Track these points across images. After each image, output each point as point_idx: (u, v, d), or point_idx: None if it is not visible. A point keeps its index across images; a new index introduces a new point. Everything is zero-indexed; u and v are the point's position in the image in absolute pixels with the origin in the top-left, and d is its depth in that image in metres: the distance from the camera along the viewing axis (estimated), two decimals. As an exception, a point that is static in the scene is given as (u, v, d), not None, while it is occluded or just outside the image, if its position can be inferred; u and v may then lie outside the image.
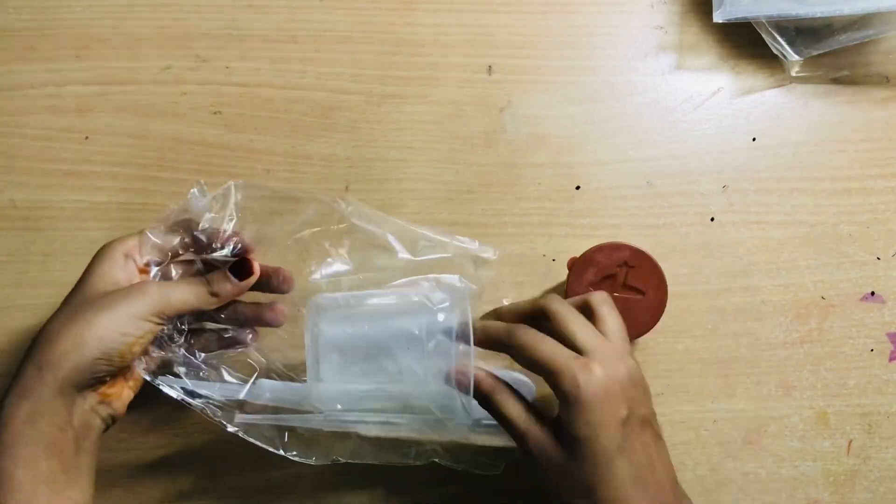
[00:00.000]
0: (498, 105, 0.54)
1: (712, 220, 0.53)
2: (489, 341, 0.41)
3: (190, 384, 0.43)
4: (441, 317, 0.41)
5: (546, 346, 0.39)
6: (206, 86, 0.54)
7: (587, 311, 0.42)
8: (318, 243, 0.46)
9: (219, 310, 0.44)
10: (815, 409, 0.52)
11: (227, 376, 0.44)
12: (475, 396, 0.41)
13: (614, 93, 0.54)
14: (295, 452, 0.44)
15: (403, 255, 0.46)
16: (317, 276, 0.45)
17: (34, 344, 0.39)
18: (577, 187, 0.53)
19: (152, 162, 0.53)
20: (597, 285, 0.47)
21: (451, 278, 0.45)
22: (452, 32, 0.55)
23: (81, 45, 0.54)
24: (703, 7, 0.55)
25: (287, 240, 0.45)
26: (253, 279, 0.43)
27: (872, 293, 0.53)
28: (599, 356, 0.38)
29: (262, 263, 0.44)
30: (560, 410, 0.38)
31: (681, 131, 0.54)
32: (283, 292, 0.45)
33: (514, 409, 0.40)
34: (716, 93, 0.55)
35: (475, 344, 0.41)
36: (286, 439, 0.44)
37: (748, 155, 0.54)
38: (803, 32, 0.52)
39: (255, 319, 0.45)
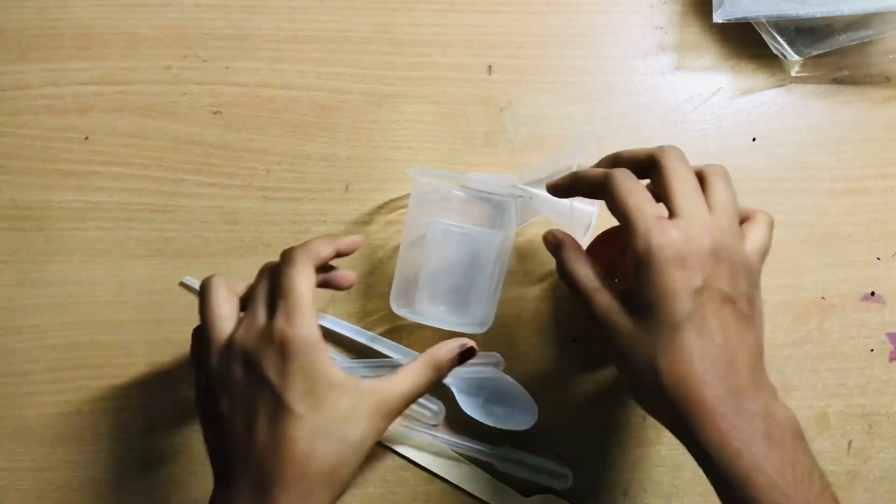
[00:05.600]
0: (498, 105, 0.54)
1: (712, 220, 0.53)
2: (586, 187, 0.40)
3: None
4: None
5: (634, 200, 0.37)
6: (206, 86, 0.54)
7: (701, 181, 0.39)
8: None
9: None
10: (815, 409, 0.52)
11: None
12: (547, 247, 0.41)
13: (614, 93, 0.54)
14: None
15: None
16: None
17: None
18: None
19: (152, 162, 0.53)
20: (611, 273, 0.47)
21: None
22: (452, 32, 0.55)
23: (81, 45, 0.54)
24: (703, 7, 0.55)
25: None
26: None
27: (872, 293, 0.53)
28: (687, 221, 0.36)
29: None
30: (631, 272, 0.36)
31: (681, 131, 0.54)
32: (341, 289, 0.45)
33: (583, 269, 0.39)
34: (716, 93, 0.55)
35: (566, 194, 0.42)
36: None
37: (748, 155, 0.54)
38: (803, 32, 0.52)
39: (323, 284, 0.44)
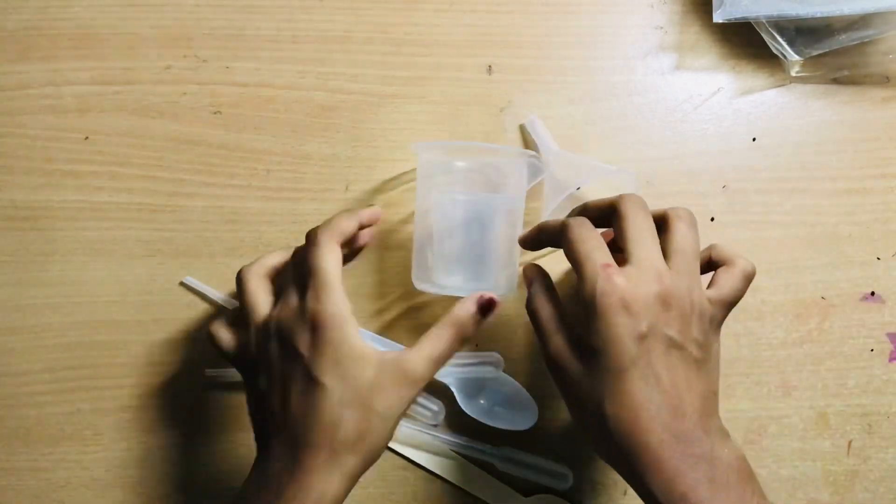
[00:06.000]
0: (498, 105, 0.54)
1: (712, 220, 0.53)
2: (549, 236, 0.42)
3: None
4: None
5: (585, 247, 0.38)
6: (206, 86, 0.54)
7: (664, 224, 0.40)
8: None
9: None
10: (815, 409, 0.52)
11: None
12: (524, 279, 0.43)
13: (614, 93, 0.54)
14: None
15: None
16: None
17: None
18: (577, 188, 0.53)
19: (152, 162, 0.53)
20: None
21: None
22: (452, 32, 0.55)
23: (81, 45, 0.54)
24: (703, 7, 0.55)
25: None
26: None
27: (872, 293, 0.53)
28: (637, 268, 0.37)
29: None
30: (581, 319, 0.37)
31: (681, 131, 0.54)
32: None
33: (545, 309, 0.40)
34: (716, 93, 0.55)
35: (536, 246, 0.44)
36: None
37: (748, 155, 0.54)
38: (803, 32, 0.52)
39: (352, 255, 0.48)
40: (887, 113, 0.54)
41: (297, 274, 0.42)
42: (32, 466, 0.50)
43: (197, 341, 0.52)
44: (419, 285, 0.49)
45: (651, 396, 0.35)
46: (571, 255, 0.39)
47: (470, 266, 0.48)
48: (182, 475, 0.51)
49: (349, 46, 0.55)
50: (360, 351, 0.39)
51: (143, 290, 0.52)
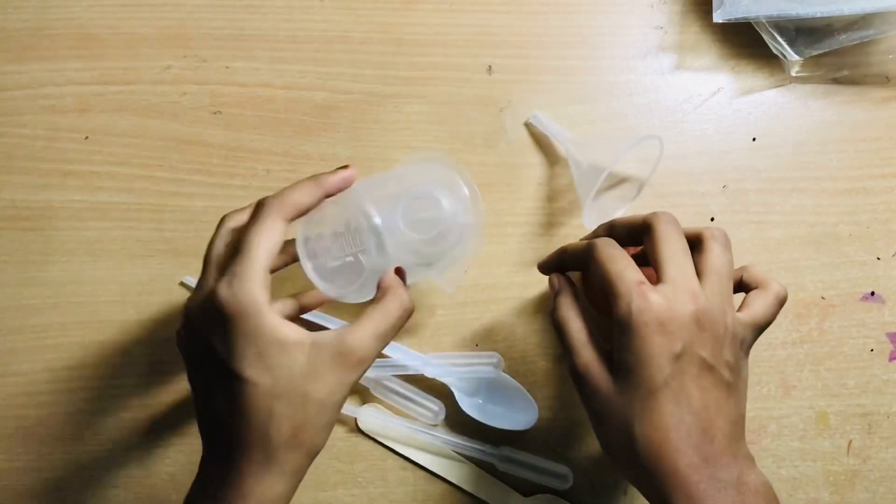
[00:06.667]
0: (498, 105, 0.54)
1: (712, 220, 0.53)
2: (571, 261, 0.41)
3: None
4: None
5: (616, 266, 0.37)
6: (206, 86, 0.54)
7: (698, 244, 0.39)
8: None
9: None
10: (815, 409, 0.52)
11: None
12: (550, 287, 0.42)
13: (614, 93, 0.54)
14: None
15: None
16: None
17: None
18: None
19: (152, 162, 0.53)
20: None
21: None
22: (452, 32, 0.55)
23: (81, 45, 0.54)
24: (703, 7, 0.55)
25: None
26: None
27: (872, 293, 0.53)
28: (671, 287, 0.36)
29: None
30: (614, 336, 0.36)
31: (681, 131, 0.54)
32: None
33: (575, 321, 0.39)
34: (716, 93, 0.55)
35: (559, 271, 0.42)
36: None
37: (748, 155, 0.54)
38: (803, 32, 0.52)
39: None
40: (887, 113, 0.54)
41: (223, 251, 0.38)
42: (32, 466, 0.50)
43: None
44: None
45: (682, 418, 0.35)
46: (602, 274, 0.37)
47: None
48: (182, 475, 0.51)
49: (349, 46, 0.55)
50: (284, 336, 0.35)
51: (143, 290, 0.52)
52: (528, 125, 0.54)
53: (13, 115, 0.53)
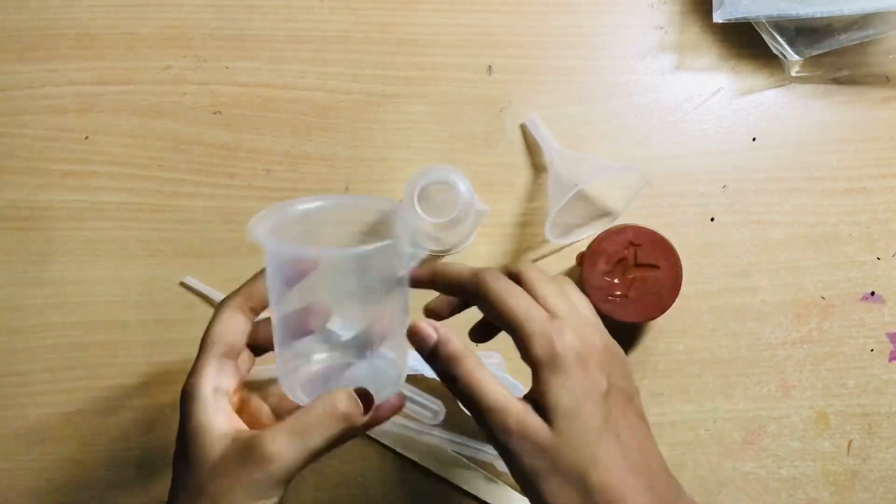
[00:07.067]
0: (498, 105, 0.54)
1: (712, 220, 0.53)
2: (447, 284, 0.37)
3: None
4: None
5: (520, 301, 0.34)
6: (206, 86, 0.54)
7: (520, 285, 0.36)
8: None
9: None
10: (815, 409, 0.52)
11: None
12: (431, 361, 0.35)
13: (614, 93, 0.54)
14: None
15: None
16: None
17: None
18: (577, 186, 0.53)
19: (152, 162, 0.53)
20: (610, 273, 0.47)
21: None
22: (452, 32, 0.55)
23: (81, 45, 0.54)
24: (703, 7, 0.55)
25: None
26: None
27: (872, 293, 0.53)
28: (571, 322, 0.34)
29: None
30: (534, 382, 0.33)
31: (681, 131, 0.54)
32: None
33: (490, 382, 0.34)
34: (716, 93, 0.55)
35: (428, 286, 0.37)
36: None
37: (748, 155, 0.54)
38: (803, 32, 0.52)
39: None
40: (887, 113, 0.54)
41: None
42: (32, 466, 0.50)
43: (197, 341, 0.52)
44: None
45: (629, 456, 0.32)
46: (502, 310, 0.34)
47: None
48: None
49: (349, 46, 0.55)
50: (206, 428, 0.34)
51: (143, 290, 0.52)
52: (523, 128, 0.54)
53: (13, 115, 0.53)
